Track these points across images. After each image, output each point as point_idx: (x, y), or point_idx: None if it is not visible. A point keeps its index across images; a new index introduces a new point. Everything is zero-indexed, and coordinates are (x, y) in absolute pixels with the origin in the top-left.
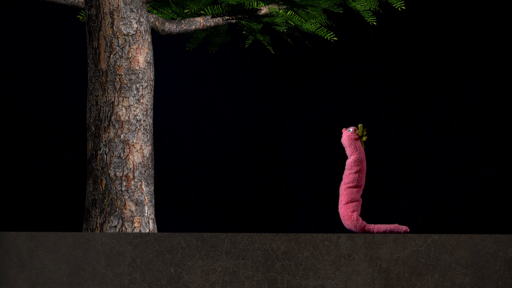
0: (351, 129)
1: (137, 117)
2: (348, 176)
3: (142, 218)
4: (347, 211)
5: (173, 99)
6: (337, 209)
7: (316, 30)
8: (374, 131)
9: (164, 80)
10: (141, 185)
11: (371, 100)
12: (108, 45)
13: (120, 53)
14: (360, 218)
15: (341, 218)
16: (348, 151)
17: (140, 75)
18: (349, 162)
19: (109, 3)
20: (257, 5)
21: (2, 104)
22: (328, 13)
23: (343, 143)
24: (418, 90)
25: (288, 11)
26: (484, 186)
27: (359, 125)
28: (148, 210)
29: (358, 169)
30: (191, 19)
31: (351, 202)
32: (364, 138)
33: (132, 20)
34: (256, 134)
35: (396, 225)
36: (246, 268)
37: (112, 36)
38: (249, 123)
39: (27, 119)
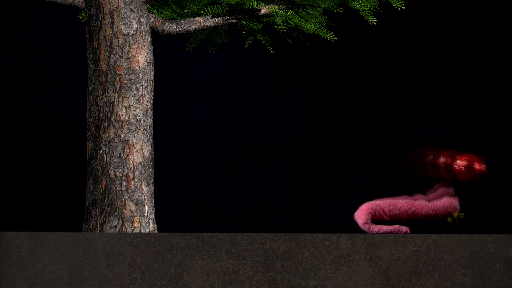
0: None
1: (137, 117)
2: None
3: (142, 218)
4: (368, 205)
5: (173, 99)
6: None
7: (316, 30)
8: (374, 131)
9: (164, 80)
10: (141, 185)
11: (371, 100)
12: (108, 45)
13: (120, 53)
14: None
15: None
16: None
17: (140, 75)
18: (441, 203)
19: (109, 3)
20: (257, 5)
21: (2, 104)
22: (328, 13)
23: (446, 206)
24: (418, 90)
25: (288, 11)
26: (484, 186)
27: (461, 214)
28: (148, 210)
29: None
30: (191, 19)
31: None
32: (450, 220)
33: (132, 20)
34: (256, 134)
35: (397, 226)
36: (246, 268)
37: (112, 36)
38: (249, 123)
39: (27, 119)
